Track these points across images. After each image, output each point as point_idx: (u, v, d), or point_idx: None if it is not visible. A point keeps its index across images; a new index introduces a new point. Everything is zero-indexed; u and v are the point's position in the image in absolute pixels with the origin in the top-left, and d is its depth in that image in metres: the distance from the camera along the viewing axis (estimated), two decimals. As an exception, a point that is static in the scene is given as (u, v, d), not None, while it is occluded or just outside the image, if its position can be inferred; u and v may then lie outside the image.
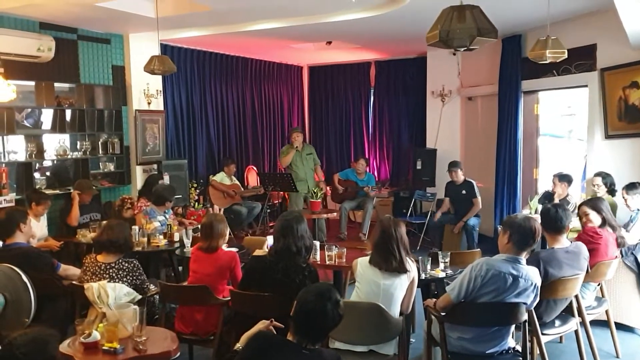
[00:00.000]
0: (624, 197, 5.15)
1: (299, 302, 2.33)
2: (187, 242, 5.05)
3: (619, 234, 4.40)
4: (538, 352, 3.70)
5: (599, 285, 4.27)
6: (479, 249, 4.83)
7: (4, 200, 5.55)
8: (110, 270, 3.76)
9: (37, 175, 6.21)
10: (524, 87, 7.22)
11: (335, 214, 7.70)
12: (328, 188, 8.14)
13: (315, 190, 7.12)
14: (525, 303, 3.21)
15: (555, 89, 7.12)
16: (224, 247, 4.12)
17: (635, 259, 4.56)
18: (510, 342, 3.34)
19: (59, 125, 6.41)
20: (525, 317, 3.23)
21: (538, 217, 4.01)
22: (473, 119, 8.63)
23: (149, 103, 7.26)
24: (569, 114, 8.51)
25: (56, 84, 6.40)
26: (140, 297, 3.73)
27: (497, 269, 3.15)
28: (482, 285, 3.15)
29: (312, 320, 2.28)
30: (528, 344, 3.34)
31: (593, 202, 4.47)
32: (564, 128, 8.74)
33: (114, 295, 3.57)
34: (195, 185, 7.85)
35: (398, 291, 3.42)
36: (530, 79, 7.10)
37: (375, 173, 9.91)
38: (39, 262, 4.11)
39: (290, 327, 2.34)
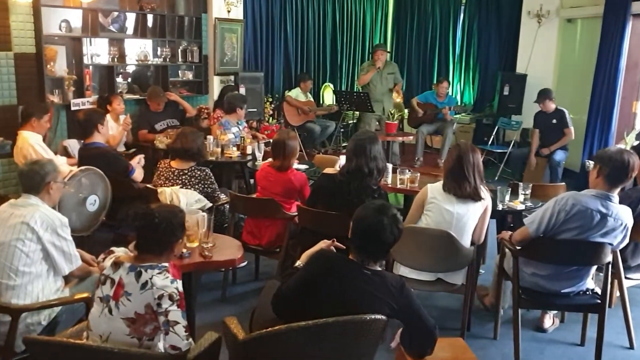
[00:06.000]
0: None
1: (355, 219, 2.23)
2: (259, 155, 5.06)
3: None
4: (618, 295, 3.48)
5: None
6: (563, 183, 4.52)
7: (87, 101, 5.69)
8: (183, 177, 3.81)
9: (119, 79, 6.31)
10: (634, 9, 6.46)
11: (411, 137, 7.43)
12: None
13: (392, 112, 6.85)
14: (611, 244, 2.97)
15: (671, 13, 6.34)
16: (294, 165, 4.06)
17: None
18: (589, 284, 3.14)
19: (140, 31, 6.42)
20: (609, 258, 3.00)
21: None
22: (570, 44, 7.93)
23: (228, 11, 7.13)
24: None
25: (139, -13, 6.36)
26: (210, 204, 3.78)
27: (584, 205, 2.91)
28: (566, 221, 2.93)
29: (370, 236, 2.17)
30: (608, 287, 3.12)
31: None
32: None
33: (185, 201, 3.63)
34: (270, 99, 7.77)
35: (471, 220, 3.27)
36: (643, 0, 6.35)
37: (458, 98, 9.45)
38: (116, 164, 4.25)
39: (351, 248, 2.26)
